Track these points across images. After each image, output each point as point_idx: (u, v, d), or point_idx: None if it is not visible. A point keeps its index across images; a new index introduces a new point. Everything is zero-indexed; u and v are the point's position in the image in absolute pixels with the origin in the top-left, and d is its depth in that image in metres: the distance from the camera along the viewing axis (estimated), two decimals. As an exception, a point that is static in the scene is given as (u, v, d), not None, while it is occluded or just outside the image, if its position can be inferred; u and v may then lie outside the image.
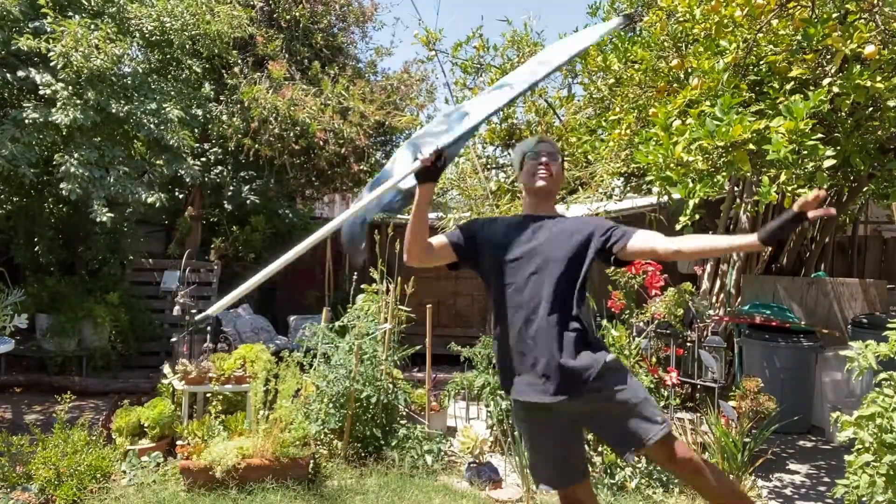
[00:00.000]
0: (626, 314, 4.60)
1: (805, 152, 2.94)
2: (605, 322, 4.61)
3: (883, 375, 2.85)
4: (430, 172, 2.34)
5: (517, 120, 6.60)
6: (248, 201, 7.45)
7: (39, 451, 3.77)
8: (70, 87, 5.15)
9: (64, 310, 6.41)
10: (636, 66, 4.28)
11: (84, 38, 5.17)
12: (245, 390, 4.45)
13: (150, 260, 7.57)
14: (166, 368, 4.84)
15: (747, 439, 3.88)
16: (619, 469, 4.04)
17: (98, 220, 5.25)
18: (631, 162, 4.57)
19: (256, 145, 7.08)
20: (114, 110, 5.40)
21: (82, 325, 6.46)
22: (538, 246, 2.38)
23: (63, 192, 5.10)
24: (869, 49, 3.07)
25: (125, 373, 6.71)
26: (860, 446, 2.80)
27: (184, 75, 6.62)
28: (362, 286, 4.97)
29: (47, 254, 6.69)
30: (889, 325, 3.00)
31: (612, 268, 4.66)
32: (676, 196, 3.35)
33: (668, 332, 5.10)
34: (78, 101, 5.14)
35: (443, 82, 10.42)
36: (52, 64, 5.12)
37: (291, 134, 7.05)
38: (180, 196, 7.79)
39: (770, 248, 2.33)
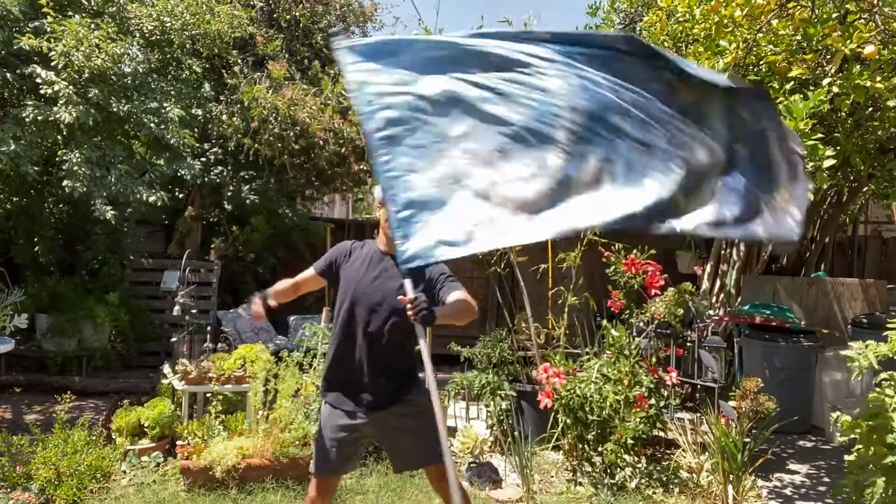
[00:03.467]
0: (626, 314, 4.60)
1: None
2: (604, 322, 4.61)
3: (883, 375, 2.85)
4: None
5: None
6: (248, 201, 7.44)
7: (39, 451, 3.77)
8: (72, 86, 5.15)
9: (64, 310, 6.41)
10: (636, 66, 4.27)
11: (85, 38, 5.17)
12: (245, 390, 4.45)
13: (150, 260, 7.56)
14: (166, 368, 4.84)
15: (747, 439, 3.88)
16: (619, 469, 4.04)
17: (102, 218, 5.26)
18: (631, 162, 4.57)
19: (256, 145, 7.07)
20: (114, 109, 5.40)
21: (82, 325, 6.46)
22: None
23: (66, 189, 5.10)
24: (869, 49, 3.08)
25: (125, 373, 6.70)
26: (860, 446, 2.80)
27: (184, 75, 6.62)
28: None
29: (47, 254, 6.69)
30: (889, 325, 3.00)
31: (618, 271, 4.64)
32: (676, 196, 3.34)
33: (668, 332, 5.10)
34: (79, 100, 5.14)
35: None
36: (52, 63, 5.13)
37: (291, 134, 7.05)
38: (180, 196, 7.79)
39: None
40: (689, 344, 5.14)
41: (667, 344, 5.09)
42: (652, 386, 4.29)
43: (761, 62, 3.67)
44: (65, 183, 5.10)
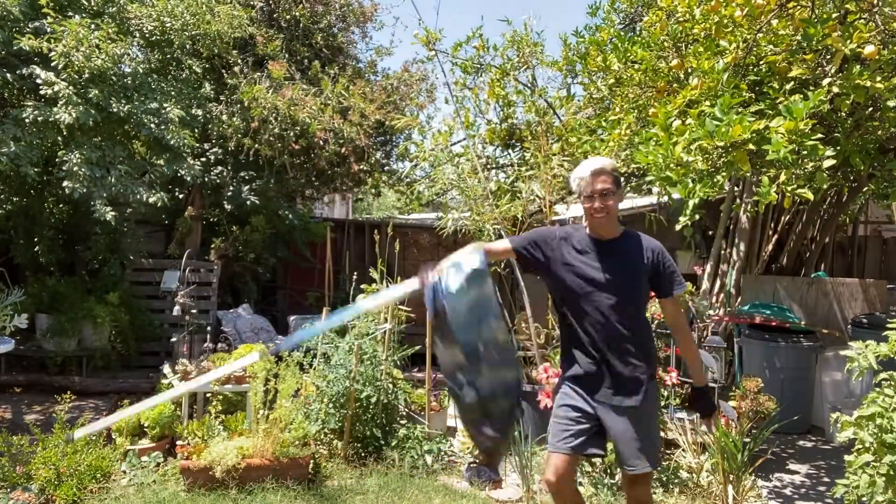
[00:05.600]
0: (626, 314, 4.59)
1: (805, 152, 2.94)
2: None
3: (883, 375, 2.85)
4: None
5: (517, 120, 6.60)
6: (248, 201, 7.45)
7: (39, 451, 3.77)
8: (72, 87, 5.15)
9: (64, 310, 6.41)
10: (636, 66, 4.28)
11: (85, 38, 5.17)
12: (245, 390, 4.45)
13: (150, 260, 7.57)
14: (166, 368, 4.84)
15: (747, 439, 3.88)
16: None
17: (102, 219, 5.26)
18: (631, 162, 4.57)
19: (256, 145, 7.07)
20: (114, 110, 5.40)
21: (82, 325, 6.46)
22: None
23: (66, 190, 5.10)
24: (869, 49, 3.08)
25: (125, 373, 6.70)
26: (860, 446, 2.80)
27: (184, 75, 6.62)
28: (362, 286, 4.97)
29: (47, 254, 6.69)
30: (889, 325, 3.00)
31: None
32: (676, 196, 3.35)
33: (668, 332, 5.10)
34: (79, 101, 5.14)
35: (443, 82, 10.40)
36: (53, 64, 5.13)
37: (291, 134, 7.05)
38: (180, 196, 7.79)
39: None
40: (689, 344, 5.13)
41: (667, 344, 5.09)
42: (652, 386, 4.28)
43: (761, 62, 3.67)
44: (65, 184, 5.10)
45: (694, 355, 2.80)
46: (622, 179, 2.74)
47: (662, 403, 4.43)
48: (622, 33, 4.82)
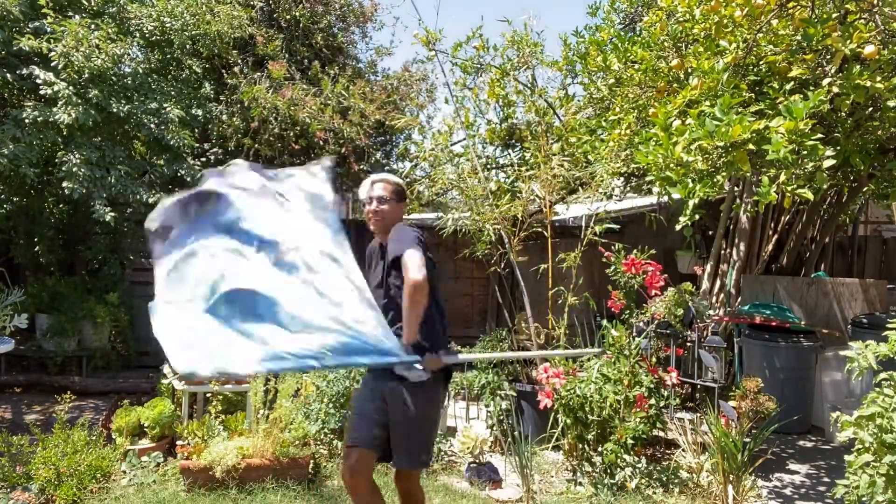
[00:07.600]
0: (626, 314, 4.60)
1: (805, 152, 2.94)
2: (604, 322, 4.61)
3: (883, 375, 2.85)
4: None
5: (517, 120, 6.60)
6: (248, 201, 7.44)
7: (39, 451, 3.77)
8: (72, 87, 5.15)
9: (64, 310, 6.41)
10: (636, 66, 4.28)
11: (85, 38, 5.17)
12: (245, 390, 4.45)
13: (151, 260, 7.56)
14: (166, 368, 4.84)
15: (747, 439, 3.88)
16: (619, 469, 4.04)
17: (101, 220, 5.25)
18: (631, 162, 4.57)
19: (256, 145, 7.08)
20: (114, 110, 5.40)
21: (82, 325, 6.46)
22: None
23: (65, 190, 5.10)
24: (869, 49, 3.07)
25: (125, 373, 6.70)
26: (860, 446, 2.80)
27: (184, 75, 6.62)
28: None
29: (47, 254, 6.69)
30: (889, 325, 3.00)
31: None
32: (676, 196, 3.35)
33: (668, 332, 5.10)
34: (79, 101, 5.14)
35: (443, 82, 10.41)
36: (52, 64, 5.13)
37: (291, 134, 7.05)
38: (180, 196, 7.78)
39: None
40: (689, 344, 5.14)
41: (667, 344, 5.09)
42: (652, 386, 4.29)
43: (761, 62, 3.67)
44: (65, 184, 5.10)
45: (409, 318, 2.68)
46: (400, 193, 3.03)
47: (662, 404, 4.43)
48: (622, 33, 4.82)
